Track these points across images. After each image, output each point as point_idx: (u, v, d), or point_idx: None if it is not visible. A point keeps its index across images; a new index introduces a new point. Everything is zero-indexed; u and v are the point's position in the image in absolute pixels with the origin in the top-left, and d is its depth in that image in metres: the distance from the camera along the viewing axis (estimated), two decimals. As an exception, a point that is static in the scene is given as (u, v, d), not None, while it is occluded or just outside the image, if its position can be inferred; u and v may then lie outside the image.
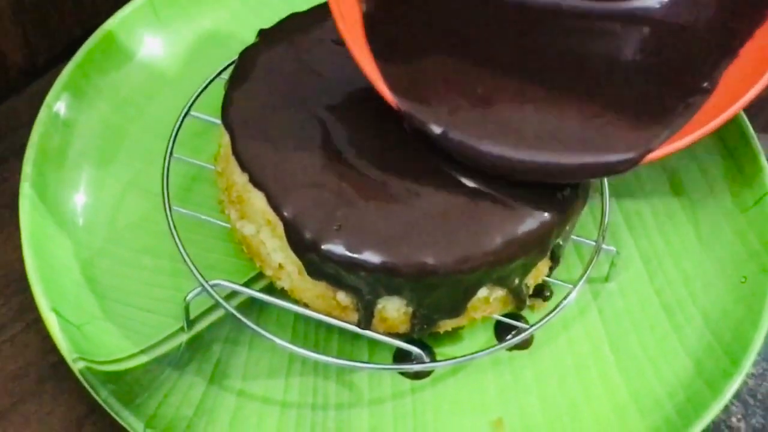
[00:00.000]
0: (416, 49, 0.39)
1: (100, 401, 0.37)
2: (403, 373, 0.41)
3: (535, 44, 0.40)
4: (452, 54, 0.39)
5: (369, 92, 0.38)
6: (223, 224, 0.42)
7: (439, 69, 0.39)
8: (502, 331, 0.42)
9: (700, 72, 0.38)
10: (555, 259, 0.41)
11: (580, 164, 0.37)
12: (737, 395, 0.39)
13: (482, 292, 0.39)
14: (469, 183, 0.38)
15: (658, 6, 0.40)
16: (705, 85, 0.38)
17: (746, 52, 0.37)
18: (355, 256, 0.36)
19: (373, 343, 0.41)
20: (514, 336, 0.40)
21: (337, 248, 0.36)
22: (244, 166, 0.39)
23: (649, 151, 0.36)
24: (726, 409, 0.39)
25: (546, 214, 0.38)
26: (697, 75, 0.38)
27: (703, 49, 0.39)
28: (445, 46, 0.40)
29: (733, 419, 0.42)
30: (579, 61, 0.40)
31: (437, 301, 0.38)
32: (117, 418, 0.37)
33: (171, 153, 0.43)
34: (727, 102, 0.36)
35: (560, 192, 0.39)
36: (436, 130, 0.37)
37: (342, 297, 0.38)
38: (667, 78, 0.39)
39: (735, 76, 0.37)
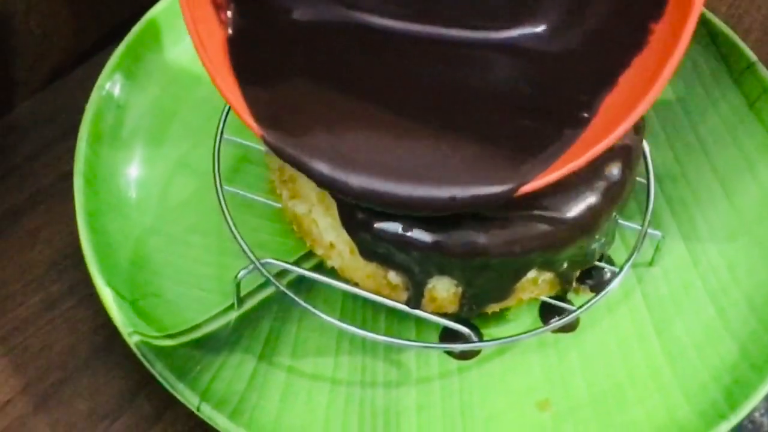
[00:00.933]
0: (285, 79, 0.37)
1: (156, 374, 0.38)
2: (450, 353, 0.41)
3: (411, 74, 0.39)
4: (323, 85, 0.38)
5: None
6: (274, 204, 0.42)
7: (309, 101, 0.37)
8: (547, 312, 0.43)
9: (580, 102, 0.37)
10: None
11: (451, 197, 0.35)
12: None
13: (531, 274, 0.39)
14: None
15: (537, 35, 0.39)
16: (584, 115, 0.36)
17: (624, 81, 0.36)
18: (408, 234, 0.37)
19: (420, 324, 0.42)
20: (561, 318, 0.41)
21: (390, 227, 0.37)
22: (297, 146, 0.39)
23: (523, 183, 0.35)
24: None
25: (594, 199, 0.38)
26: (576, 105, 0.37)
27: (583, 79, 0.37)
28: (315, 76, 0.38)
29: (756, 414, 0.42)
30: (457, 91, 0.38)
31: (487, 282, 0.39)
32: (172, 392, 0.37)
33: (222, 133, 0.43)
34: (604, 132, 0.35)
35: (608, 178, 0.39)
36: (318, 166, 0.35)
37: (393, 276, 0.39)
38: (546, 108, 0.37)
39: (614, 106, 0.36)
